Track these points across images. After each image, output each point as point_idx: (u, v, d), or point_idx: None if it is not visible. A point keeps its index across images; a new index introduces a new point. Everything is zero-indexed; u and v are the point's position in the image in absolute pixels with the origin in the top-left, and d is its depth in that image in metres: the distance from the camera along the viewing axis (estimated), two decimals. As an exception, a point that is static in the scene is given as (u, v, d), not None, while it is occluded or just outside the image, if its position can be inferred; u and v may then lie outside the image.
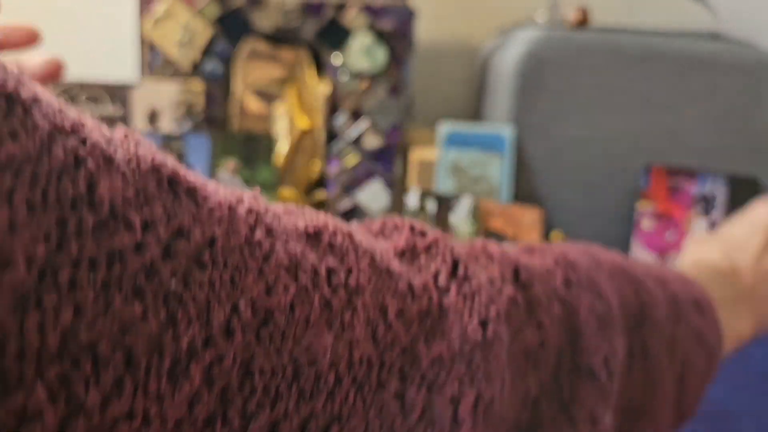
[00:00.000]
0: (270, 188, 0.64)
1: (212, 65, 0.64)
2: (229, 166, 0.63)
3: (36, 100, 0.14)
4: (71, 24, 0.83)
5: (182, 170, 0.17)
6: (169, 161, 0.16)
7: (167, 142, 0.62)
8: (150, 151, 0.16)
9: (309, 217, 0.20)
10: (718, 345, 0.35)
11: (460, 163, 0.64)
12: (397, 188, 0.66)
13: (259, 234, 0.17)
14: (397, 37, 0.64)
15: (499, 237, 0.59)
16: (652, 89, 0.64)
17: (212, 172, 0.63)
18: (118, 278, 0.14)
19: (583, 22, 0.66)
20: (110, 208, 0.14)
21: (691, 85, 0.64)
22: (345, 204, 0.68)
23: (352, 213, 0.68)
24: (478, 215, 0.59)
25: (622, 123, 0.64)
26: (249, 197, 0.18)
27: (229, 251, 0.16)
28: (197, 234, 0.16)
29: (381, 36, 0.64)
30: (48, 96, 0.15)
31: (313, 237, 0.19)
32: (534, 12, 0.84)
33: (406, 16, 0.63)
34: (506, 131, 0.63)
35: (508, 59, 0.63)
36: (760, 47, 0.67)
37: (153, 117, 0.62)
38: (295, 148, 0.68)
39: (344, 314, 0.18)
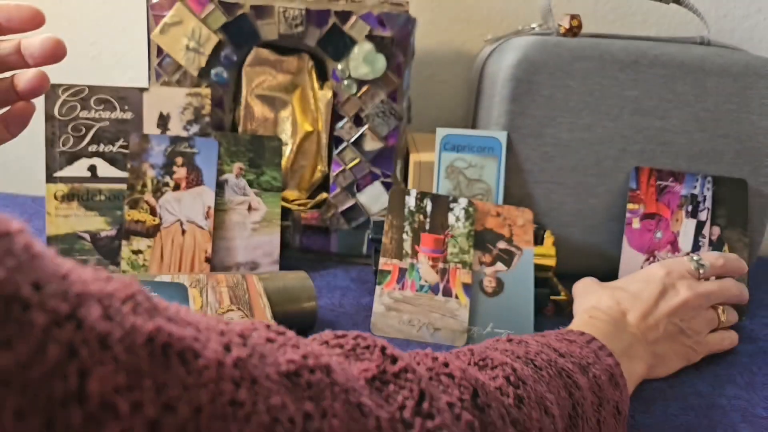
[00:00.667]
0: (275, 191, 0.65)
1: (219, 71, 0.65)
2: (235, 169, 0.64)
3: (38, 285, 0.14)
4: (82, 30, 0.85)
5: (178, 327, 0.17)
6: (163, 323, 0.17)
7: (176, 146, 0.63)
8: (148, 313, 0.17)
9: (291, 351, 0.21)
10: (627, 407, 0.39)
11: (457, 166, 0.65)
12: (397, 190, 0.67)
13: (242, 392, 0.18)
14: (397, 44, 0.65)
15: (494, 236, 0.60)
16: (642, 94, 0.64)
17: (219, 175, 0.64)
18: None
19: (576, 29, 0.67)
20: (100, 399, 0.14)
21: (680, 89, 0.65)
22: (346, 205, 0.69)
23: (353, 213, 0.69)
24: (474, 216, 0.60)
25: (612, 126, 0.65)
26: (237, 341, 0.19)
27: (213, 418, 0.16)
28: (184, 406, 0.16)
29: (382, 43, 0.65)
30: (48, 268, 0.15)
31: (294, 376, 0.20)
32: (528, 19, 0.85)
33: (407, 24, 0.65)
34: (501, 135, 0.65)
35: (503, 65, 0.64)
36: (749, 52, 0.68)
37: (162, 121, 0.64)
38: (299, 152, 0.69)
39: None
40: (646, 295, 0.51)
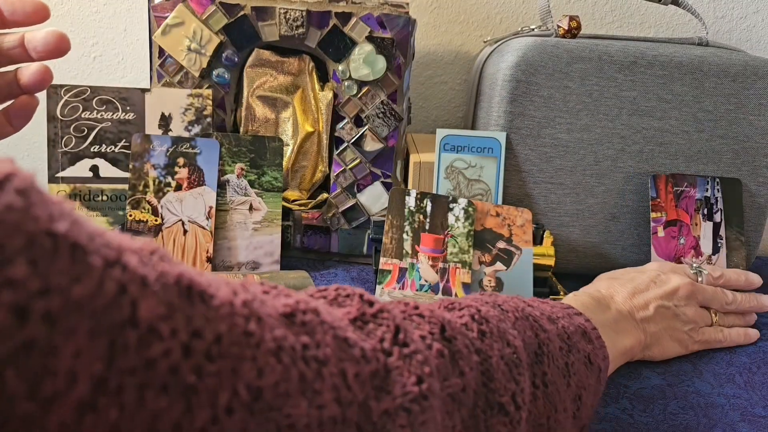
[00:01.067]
0: (276, 191, 0.66)
1: (220, 72, 0.66)
2: (237, 169, 0.65)
3: (91, 237, 0.18)
4: (84, 31, 0.85)
5: (195, 275, 0.21)
6: (185, 269, 0.20)
7: (178, 146, 0.63)
8: (171, 263, 0.20)
9: (284, 299, 0.24)
10: (604, 364, 0.41)
11: (457, 167, 0.66)
12: (397, 190, 0.68)
13: (252, 325, 0.21)
14: (397, 45, 0.65)
15: (494, 236, 0.61)
16: (640, 94, 0.65)
17: (221, 175, 0.64)
18: (151, 379, 0.18)
19: (575, 30, 0.67)
20: (147, 324, 0.18)
21: (678, 90, 0.65)
22: (346, 205, 0.70)
23: (353, 213, 0.70)
24: (473, 216, 0.61)
25: (611, 127, 0.66)
26: (241, 289, 0.22)
27: (231, 344, 0.20)
28: (208, 334, 0.19)
29: (382, 45, 0.65)
30: (91, 225, 0.18)
31: (290, 316, 0.23)
32: (527, 20, 0.86)
33: (406, 26, 0.65)
34: (500, 136, 0.65)
35: (502, 66, 0.65)
36: (747, 53, 0.68)
37: (164, 122, 0.64)
38: (300, 152, 0.69)
39: (315, 383, 0.22)
40: (638, 280, 0.53)
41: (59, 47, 0.40)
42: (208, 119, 0.65)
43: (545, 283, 0.63)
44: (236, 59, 0.66)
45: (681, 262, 0.64)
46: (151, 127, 0.64)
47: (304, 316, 0.23)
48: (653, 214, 0.65)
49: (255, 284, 0.25)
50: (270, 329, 0.22)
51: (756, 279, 0.60)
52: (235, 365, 0.20)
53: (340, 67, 0.66)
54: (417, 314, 0.30)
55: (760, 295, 0.60)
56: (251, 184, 0.65)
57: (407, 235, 0.60)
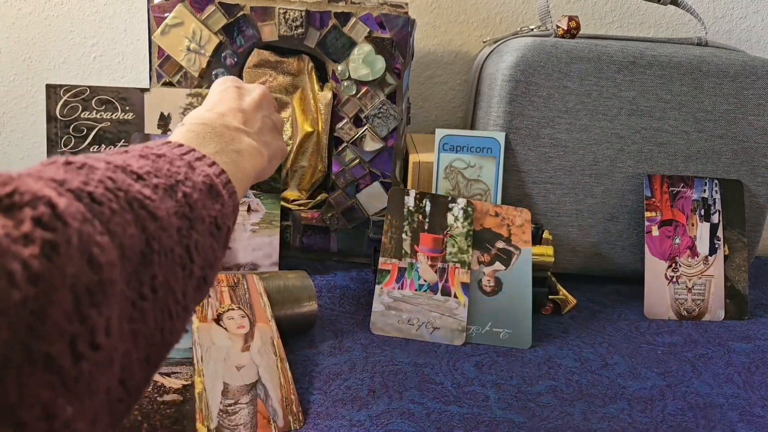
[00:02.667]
0: (274, 192, 0.66)
1: (220, 72, 0.66)
2: None
3: None
4: (84, 31, 0.85)
5: None
6: None
7: (176, 145, 0.63)
8: None
9: None
10: (233, 218, 0.35)
11: (456, 167, 0.66)
12: (396, 190, 0.68)
13: None
14: (396, 45, 0.66)
15: (493, 236, 0.61)
16: (639, 94, 0.65)
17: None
18: None
19: (574, 30, 0.67)
20: None
21: (677, 90, 0.65)
22: (346, 205, 0.70)
23: (353, 213, 0.70)
24: (472, 216, 0.61)
25: (610, 127, 0.66)
26: None
27: None
28: None
29: (381, 45, 0.65)
30: None
31: None
32: (527, 21, 0.86)
33: (406, 26, 0.65)
34: (499, 136, 0.65)
35: (501, 66, 0.65)
36: (746, 53, 0.68)
37: (163, 121, 0.64)
38: (299, 152, 0.70)
39: None
40: (230, 95, 0.47)
41: None
42: (208, 119, 0.65)
43: (544, 282, 0.63)
44: (235, 59, 0.66)
45: (675, 262, 0.64)
46: (151, 127, 0.64)
47: None
48: (648, 214, 0.65)
49: None
50: None
51: None
52: None
53: (340, 67, 0.66)
54: None
55: None
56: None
57: (406, 234, 0.60)
